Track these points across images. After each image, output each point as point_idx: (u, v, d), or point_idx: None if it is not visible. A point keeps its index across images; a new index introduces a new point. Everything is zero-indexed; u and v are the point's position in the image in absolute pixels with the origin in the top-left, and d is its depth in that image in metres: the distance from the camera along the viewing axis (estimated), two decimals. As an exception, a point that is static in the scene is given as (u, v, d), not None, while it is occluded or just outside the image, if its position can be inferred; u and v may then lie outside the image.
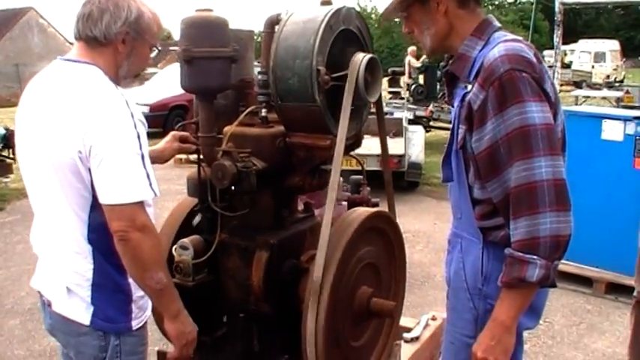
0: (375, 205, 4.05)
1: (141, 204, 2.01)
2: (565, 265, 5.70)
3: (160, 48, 2.40)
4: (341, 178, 5.29)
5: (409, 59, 16.29)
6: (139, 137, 2.01)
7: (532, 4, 17.08)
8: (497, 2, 66.52)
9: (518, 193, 1.88)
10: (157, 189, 2.05)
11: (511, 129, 1.88)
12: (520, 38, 2.05)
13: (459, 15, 2.13)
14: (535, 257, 1.86)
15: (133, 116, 2.02)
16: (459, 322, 2.24)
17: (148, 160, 2.04)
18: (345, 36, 2.64)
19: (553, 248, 1.86)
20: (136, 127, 2.01)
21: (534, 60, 1.94)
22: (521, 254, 1.88)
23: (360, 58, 2.55)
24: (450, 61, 2.20)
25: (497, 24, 2.15)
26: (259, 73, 2.76)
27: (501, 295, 1.96)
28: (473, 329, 2.16)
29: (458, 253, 2.24)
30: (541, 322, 4.92)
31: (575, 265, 5.67)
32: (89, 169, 2.00)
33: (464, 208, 2.18)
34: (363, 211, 2.80)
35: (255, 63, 3.12)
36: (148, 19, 2.19)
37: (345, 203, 5.06)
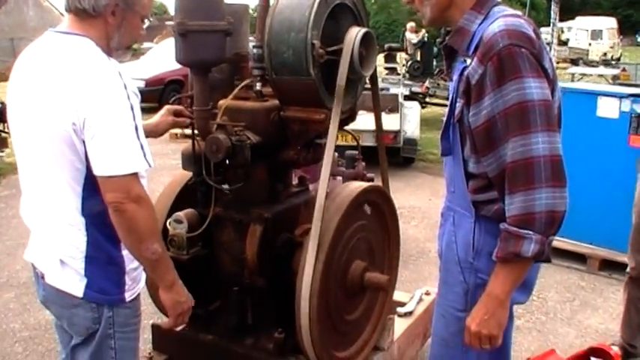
0: (370, 180, 4.07)
1: (135, 175, 2.00)
2: (559, 242, 5.71)
3: (151, 19, 2.38)
4: (336, 153, 5.30)
5: (407, 35, 16.21)
6: (132, 108, 2.00)
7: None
8: (495, -22, 66.01)
9: (514, 169, 1.88)
10: (151, 160, 2.05)
11: (509, 104, 1.88)
12: (519, 13, 2.03)
13: None
14: (530, 232, 1.86)
15: (126, 87, 2.01)
16: (449, 295, 2.25)
17: (141, 132, 2.03)
18: (340, 10, 2.63)
19: (548, 224, 1.86)
20: (129, 98, 2.00)
21: (533, 36, 1.93)
22: (516, 229, 1.88)
23: (355, 32, 2.54)
24: (449, 35, 2.18)
25: None
26: (254, 46, 2.75)
27: (496, 269, 1.97)
28: (463, 302, 2.17)
29: (450, 227, 2.24)
30: (535, 298, 4.97)
31: (570, 241, 5.68)
32: (83, 141, 1.99)
33: (457, 181, 2.18)
34: (357, 186, 2.81)
35: (250, 37, 3.11)
36: None
37: (339, 178, 5.08)
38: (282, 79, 2.57)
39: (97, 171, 1.98)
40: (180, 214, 2.77)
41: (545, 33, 15.76)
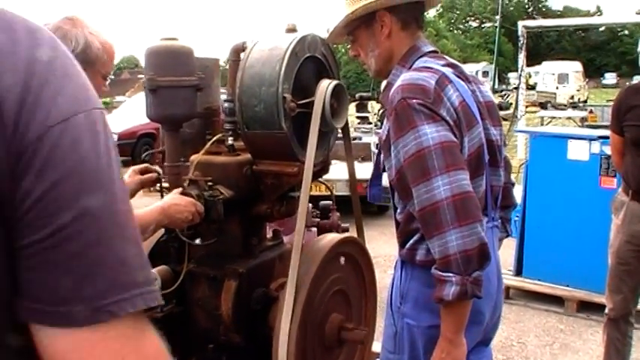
0: (345, 230, 4.04)
1: None
2: (536, 285, 5.75)
3: (112, 77, 2.39)
4: (310, 204, 5.28)
5: (384, 83, 16.32)
6: None
7: (496, 27, 17.43)
8: (462, 27, 67.52)
9: (423, 215, 1.94)
10: None
11: (409, 154, 1.95)
12: (433, 66, 2.08)
13: (400, 38, 2.19)
14: (450, 274, 1.89)
15: None
16: (384, 337, 2.31)
17: None
18: (311, 62, 2.64)
19: (465, 263, 1.88)
20: None
21: (430, 86, 1.99)
22: (439, 273, 1.92)
23: (326, 85, 2.55)
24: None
25: (427, 48, 2.20)
26: (225, 100, 2.75)
27: (441, 312, 2.01)
28: (392, 345, 2.22)
29: (393, 272, 2.31)
30: (514, 343, 4.95)
31: (546, 284, 5.70)
32: None
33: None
34: (331, 238, 2.78)
35: (222, 91, 3.11)
36: (97, 49, 2.16)
37: (314, 229, 5.03)
38: (254, 133, 2.57)
39: None
40: (153, 271, 2.72)
41: (514, 78, 16.07)
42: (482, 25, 65.78)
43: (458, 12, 69.96)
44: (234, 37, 3.00)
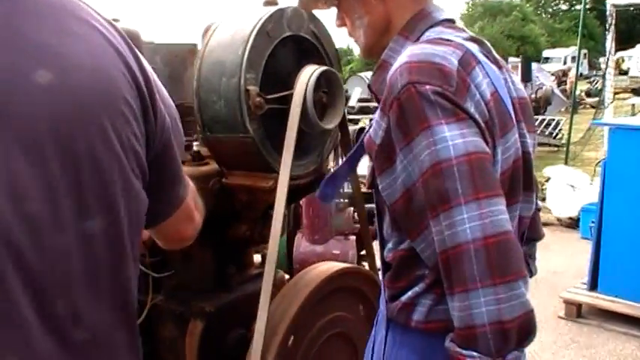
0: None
1: None
2: (613, 303, 4.97)
3: None
4: (351, 208, 4.69)
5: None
6: None
7: (587, 10, 16.23)
8: (551, 10, 65.28)
9: (443, 262, 1.29)
10: None
11: (424, 169, 1.29)
12: (453, 39, 1.42)
13: (399, 1, 1.53)
14: (474, 354, 1.23)
15: None
16: None
17: None
18: (294, 45, 2.07)
19: (499, 340, 1.22)
20: None
21: (451, 66, 1.33)
22: (457, 350, 1.26)
23: (309, 73, 1.97)
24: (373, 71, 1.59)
25: (441, 15, 1.54)
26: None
27: None
28: None
29: (373, 329, 1.69)
30: (582, 379, 4.25)
31: (626, 302, 4.90)
32: None
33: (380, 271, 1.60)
34: (326, 269, 2.20)
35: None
36: None
37: (352, 237, 4.46)
38: (217, 137, 2.02)
39: None
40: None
41: (603, 62, 14.93)
42: (572, 8, 63.30)
43: (546, -5, 67.88)
44: (214, 18, 2.48)
